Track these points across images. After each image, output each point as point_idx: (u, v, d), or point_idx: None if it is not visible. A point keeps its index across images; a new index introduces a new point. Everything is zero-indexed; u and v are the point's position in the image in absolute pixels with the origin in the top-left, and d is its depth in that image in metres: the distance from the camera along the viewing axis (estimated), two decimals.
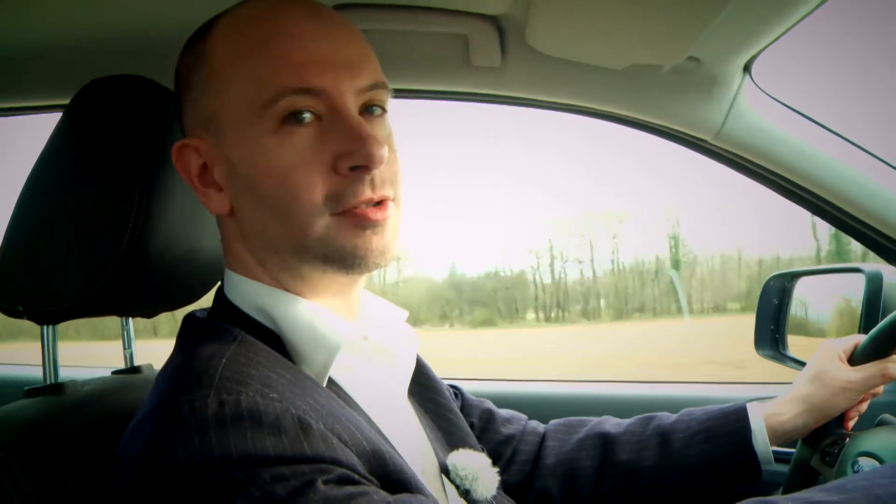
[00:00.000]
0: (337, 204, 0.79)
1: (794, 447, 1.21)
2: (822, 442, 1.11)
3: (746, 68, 1.28)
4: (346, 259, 0.81)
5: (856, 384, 1.10)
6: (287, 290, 0.85)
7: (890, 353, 1.11)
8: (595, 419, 1.23)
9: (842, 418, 1.13)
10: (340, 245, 0.80)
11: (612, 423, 1.20)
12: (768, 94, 1.32)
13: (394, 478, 0.74)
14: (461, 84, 1.35)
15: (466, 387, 1.26)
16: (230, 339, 0.77)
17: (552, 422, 1.25)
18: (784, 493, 1.17)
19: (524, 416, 1.26)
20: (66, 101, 1.00)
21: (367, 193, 0.80)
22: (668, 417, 1.18)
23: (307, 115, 0.79)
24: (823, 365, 1.13)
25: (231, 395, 0.67)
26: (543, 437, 1.21)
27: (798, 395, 1.13)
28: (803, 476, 1.14)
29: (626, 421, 1.20)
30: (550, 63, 1.26)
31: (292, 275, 0.85)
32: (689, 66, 1.23)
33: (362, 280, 0.91)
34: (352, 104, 0.81)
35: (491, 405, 1.24)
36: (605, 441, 1.17)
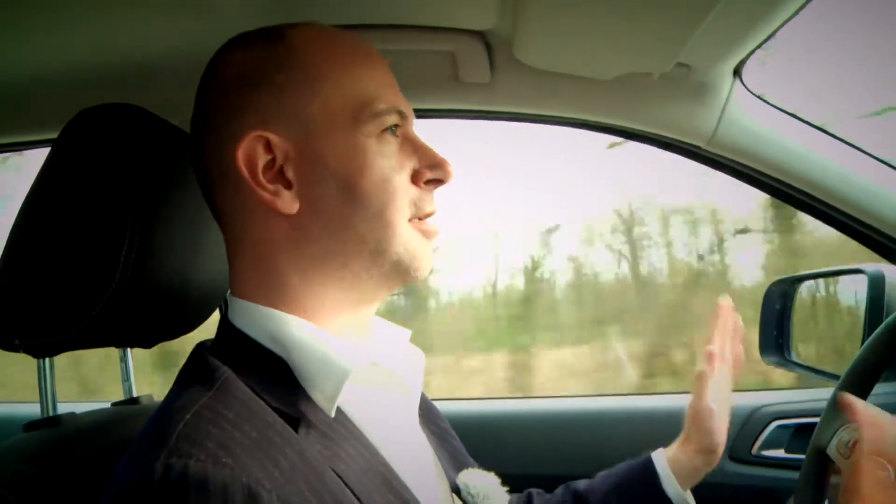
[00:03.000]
0: (415, 211, 0.86)
1: (803, 453, 1.19)
2: (838, 431, 1.08)
3: (736, 72, 1.28)
4: (412, 265, 0.86)
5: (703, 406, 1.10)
6: (300, 312, 0.84)
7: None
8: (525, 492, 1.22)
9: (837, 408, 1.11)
10: (414, 251, 0.86)
11: (540, 499, 1.20)
12: (760, 98, 1.32)
13: None
14: (450, 101, 1.35)
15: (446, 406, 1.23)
16: (207, 387, 0.75)
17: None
18: (800, 480, 1.15)
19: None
20: (55, 136, 1.00)
21: (434, 205, 0.89)
22: (581, 483, 1.18)
23: (396, 130, 0.86)
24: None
25: (181, 458, 0.65)
26: None
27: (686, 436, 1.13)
28: (819, 464, 1.12)
29: (549, 495, 1.20)
30: (540, 76, 1.26)
31: (336, 283, 0.85)
32: (679, 72, 1.22)
33: (375, 307, 0.92)
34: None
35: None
36: None
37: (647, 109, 1.32)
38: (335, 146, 0.82)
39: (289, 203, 0.82)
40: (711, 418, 1.09)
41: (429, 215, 0.88)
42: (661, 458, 1.11)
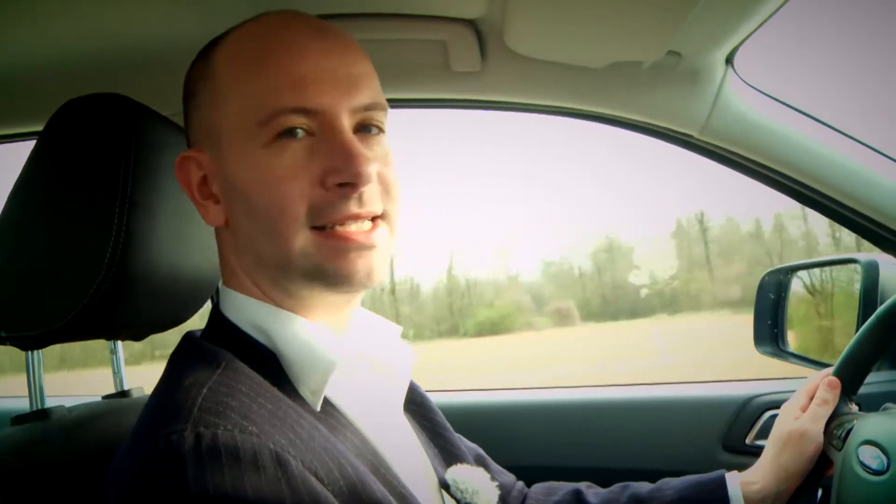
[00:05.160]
0: (318, 218, 0.79)
1: None
2: (830, 425, 1.09)
3: (728, 60, 1.27)
4: (327, 278, 0.80)
5: (808, 425, 1.07)
6: (281, 307, 0.84)
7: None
8: (574, 484, 1.20)
9: (847, 400, 1.11)
10: (321, 264, 0.80)
11: (591, 492, 1.17)
12: (752, 86, 1.31)
13: None
14: (442, 91, 1.35)
15: (439, 398, 1.22)
16: (214, 366, 0.75)
17: (535, 486, 1.22)
18: None
19: (513, 476, 1.23)
20: (41, 128, 0.99)
21: (353, 209, 0.80)
22: (645, 486, 1.15)
23: (300, 132, 0.79)
24: (784, 426, 1.10)
25: (208, 428, 0.65)
26: (525, 498, 1.19)
27: (772, 462, 1.10)
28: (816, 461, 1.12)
29: (604, 490, 1.17)
30: (531, 65, 1.25)
31: (281, 291, 0.84)
32: (670, 61, 1.22)
33: (356, 299, 0.90)
34: (346, 122, 0.81)
35: (482, 452, 1.20)
36: None
37: (638, 98, 1.32)
38: (237, 161, 0.82)
39: (215, 217, 0.86)
40: (812, 444, 1.06)
41: (347, 220, 0.80)
42: (735, 482, 1.08)
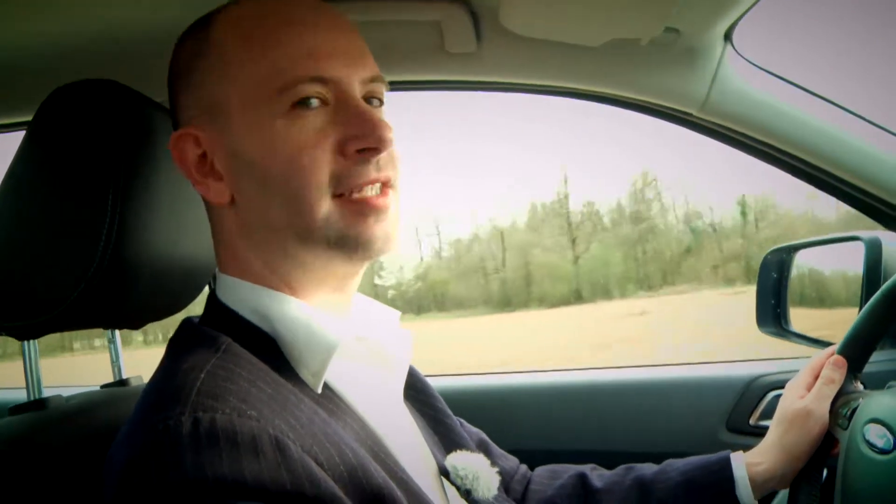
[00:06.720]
0: (340, 185, 0.80)
1: None
2: (836, 403, 1.08)
3: (727, 37, 1.26)
4: (348, 244, 0.81)
5: (814, 404, 1.06)
6: (284, 288, 0.84)
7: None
8: (578, 467, 1.19)
9: (852, 378, 1.10)
10: (344, 230, 0.81)
11: (595, 474, 1.16)
12: (752, 62, 1.30)
13: (367, 496, 0.71)
14: (437, 73, 1.33)
15: (439, 382, 1.22)
16: (213, 350, 0.75)
17: (538, 468, 1.22)
18: None
19: (516, 459, 1.23)
20: (30, 118, 0.98)
21: (372, 174, 0.82)
22: (649, 468, 1.14)
23: (315, 101, 0.81)
24: (789, 405, 1.09)
25: (206, 412, 0.65)
26: (529, 482, 1.18)
27: (777, 442, 1.09)
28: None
29: (608, 472, 1.16)
30: (527, 45, 1.24)
31: (294, 264, 0.84)
32: (668, 38, 1.21)
33: (359, 276, 0.91)
34: (358, 92, 0.84)
35: (485, 436, 1.20)
36: (585, 491, 1.13)
37: (636, 76, 1.30)
38: (249, 132, 0.81)
39: (218, 194, 0.84)
40: (817, 423, 1.05)
41: (366, 185, 0.82)
42: (741, 463, 1.07)
